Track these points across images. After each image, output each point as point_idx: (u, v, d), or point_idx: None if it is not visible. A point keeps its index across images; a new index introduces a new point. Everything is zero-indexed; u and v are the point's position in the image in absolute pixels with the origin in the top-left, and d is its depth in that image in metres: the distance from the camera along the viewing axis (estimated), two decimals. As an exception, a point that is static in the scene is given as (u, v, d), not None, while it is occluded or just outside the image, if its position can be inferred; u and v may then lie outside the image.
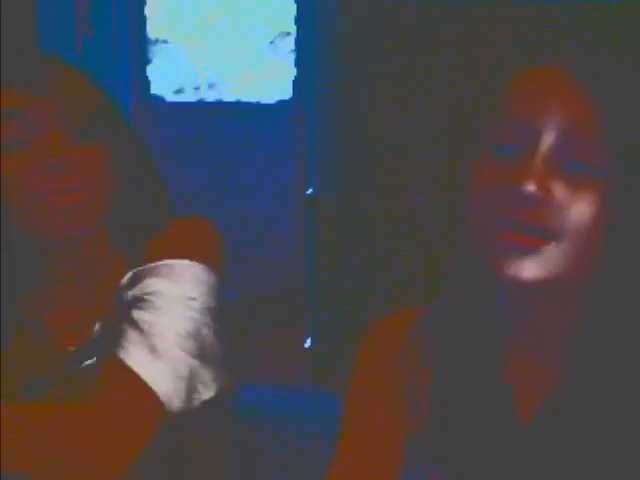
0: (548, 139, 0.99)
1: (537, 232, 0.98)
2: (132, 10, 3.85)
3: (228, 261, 1.40)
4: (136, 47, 3.93)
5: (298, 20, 3.73)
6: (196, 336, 1.31)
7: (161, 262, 1.33)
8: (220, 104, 4.04)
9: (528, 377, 1.06)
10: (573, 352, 1.03)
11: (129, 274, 1.35)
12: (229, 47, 3.99)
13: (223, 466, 1.46)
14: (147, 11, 3.93)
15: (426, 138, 2.80)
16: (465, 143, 1.07)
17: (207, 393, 1.32)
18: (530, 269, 0.98)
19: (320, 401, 1.67)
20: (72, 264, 1.37)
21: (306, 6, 3.47)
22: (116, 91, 3.61)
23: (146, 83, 3.99)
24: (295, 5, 3.69)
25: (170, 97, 4.06)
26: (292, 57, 3.86)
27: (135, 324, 1.29)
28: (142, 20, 3.94)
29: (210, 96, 4.07)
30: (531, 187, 0.97)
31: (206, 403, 1.32)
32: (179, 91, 4.07)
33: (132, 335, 1.29)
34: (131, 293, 1.33)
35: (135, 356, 1.27)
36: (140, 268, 1.34)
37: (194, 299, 1.32)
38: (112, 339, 1.31)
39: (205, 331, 1.32)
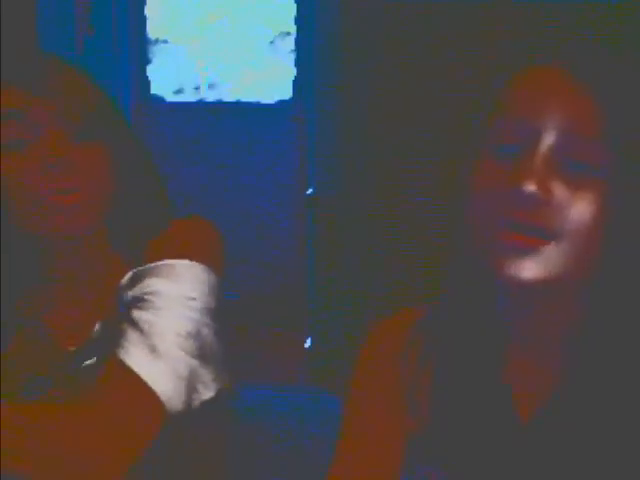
0: (548, 139, 0.99)
1: (537, 232, 0.98)
2: (132, 10, 3.85)
3: (228, 261, 1.40)
4: (136, 47, 3.92)
5: (298, 20, 3.72)
6: (196, 336, 1.31)
7: (161, 262, 1.33)
8: (220, 104, 4.04)
9: (528, 377, 1.06)
10: (573, 352, 1.03)
11: (129, 274, 1.35)
12: (229, 47, 3.99)
13: (223, 466, 1.46)
14: (147, 11, 3.93)
15: (426, 138, 2.80)
16: (465, 143, 1.07)
17: (207, 393, 1.32)
18: (530, 269, 0.98)
19: (320, 401, 1.67)
20: (72, 264, 1.37)
21: (306, 6, 3.47)
22: (116, 91, 3.61)
23: (146, 83, 3.99)
24: (295, 5, 3.69)
25: (170, 97, 4.05)
26: (292, 57, 3.85)
27: (135, 324, 1.29)
28: (142, 20, 3.93)
29: (210, 96, 4.07)
30: (531, 187, 0.97)
31: (206, 403, 1.32)
32: (179, 91, 4.07)
33: (132, 335, 1.29)
34: (131, 293, 1.33)
35: (135, 356, 1.27)
36: (140, 268, 1.34)
37: (194, 299, 1.32)
38: (112, 339, 1.31)
39: (205, 331, 1.32)
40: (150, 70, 4.00)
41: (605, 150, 0.98)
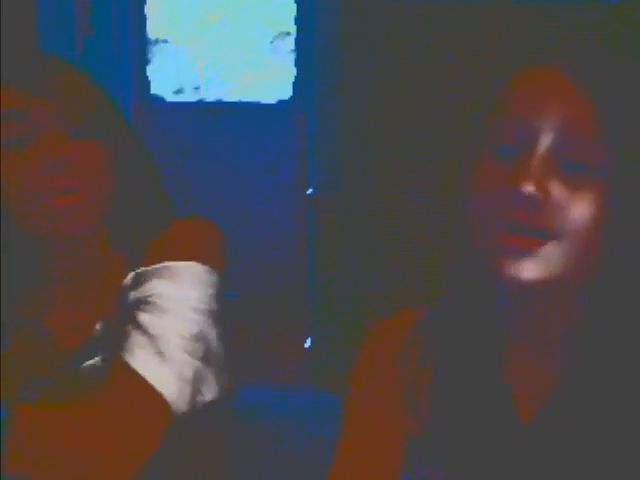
0: (547, 139, 0.99)
1: (536, 233, 0.98)
2: (132, 10, 3.85)
3: (228, 261, 1.40)
4: (136, 47, 3.92)
5: (298, 20, 3.72)
6: (200, 338, 1.31)
7: (164, 264, 1.33)
8: (220, 104, 4.04)
9: (528, 377, 1.06)
10: (573, 352, 1.03)
11: (131, 275, 1.35)
12: (229, 47, 3.99)
13: (223, 466, 1.46)
14: (147, 11, 3.93)
15: (426, 138, 2.80)
16: (465, 143, 1.07)
17: (210, 394, 1.32)
18: (529, 270, 0.98)
19: (320, 401, 1.67)
20: (72, 264, 1.37)
21: (306, 6, 3.47)
22: (116, 91, 3.60)
23: (146, 83, 3.99)
24: (295, 5, 3.69)
25: (170, 97, 4.05)
26: (292, 57, 3.85)
27: (140, 327, 1.29)
28: (142, 20, 3.93)
29: (210, 96, 4.06)
30: (530, 188, 0.97)
31: (207, 404, 1.33)
32: (179, 91, 4.07)
33: (137, 338, 1.29)
34: (134, 295, 1.33)
35: (140, 359, 1.27)
36: (143, 269, 1.34)
37: (197, 301, 1.32)
38: (115, 340, 1.31)
39: (208, 333, 1.33)
40: (150, 70, 4.00)
41: (604, 150, 0.98)
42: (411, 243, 2.84)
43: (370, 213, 2.88)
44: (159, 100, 4.02)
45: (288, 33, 3.89)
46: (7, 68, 1.33)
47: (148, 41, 4.00)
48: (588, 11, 2.64)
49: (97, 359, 1.34)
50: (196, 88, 4.07)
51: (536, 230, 0.98)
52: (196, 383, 1.30)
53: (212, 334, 1.33)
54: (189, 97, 4.09)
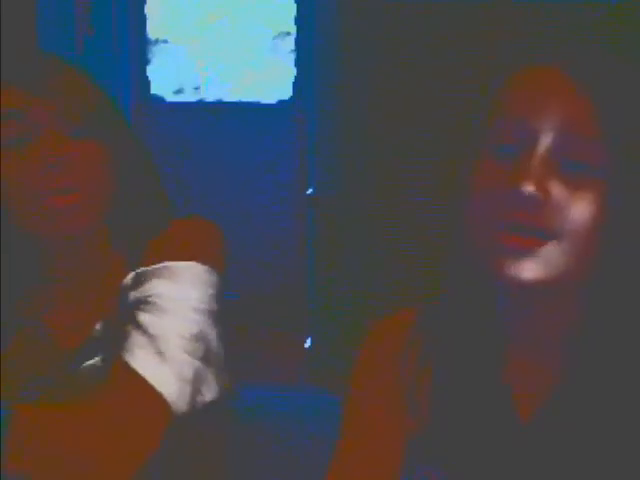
0: (546, 139, 0.99)
1: (536, 233, 0.98)
2: (132, 10, 3.85)
3: (228, 261, 1.40)
4: (136, 47, 3.92)
5: (298, 20, 3.72)
6: (200, 338, 1.31)
7: (164, 264, 1.33)
8: (220, 104, 4.03)
9: (528, 377, 1.06)
10: (573, 352, 1.03)
11: (131, 275, 1.35)
12: (229, 47, 3.99)
13: (223, 466, 1.46)
14: (147, 11, 3.93)
15: (426, 138, 2.79)
16: (465, 143, 1.07)
17: (209, 394, 1.32)
18: (529, 270, 0.98)
19: (320, 401, 1.67)
20: (72, 264, 1.37)
21: (306, 6, 3.47)
22: (116, 91, 3.60)
23: (146, 83, 3.99)
24: (295, 5, 3.69)
25: (170, 97, 4.05)
26: (292, 57, 3.85)
27: (140, 327, 1.29)
28: (142, 20, 3.93)
29: (210, 96, 4.06)
30: (530, 188, 0.97)
31: (207, 404, 1.33)
32: (179, 91, 4.07)
33: (137, 338, 1.29)
34: (134, 295, 1.33)
35: (141, 359, 1.27)
36: (143, 269, 1.34)
37: (198, 301, 1.32)
38: (115, 340, 1.31)
39: (208, 333, 1.33)
40: (150, 70, 4.00)
41: (604, 150, 0.98)
42: (411, 243, 2.84)
43: (370, 213, 2.88)
44: (159, 100, 4.02)
45: (288, 33, 3.89)
46: (7, 68, 1.33)
47: (148, 41, 3.99)
48: (588, 11, 2.64)
49: (97, 359, 1.34)
50: (196, 88, 4.07)
51: (536, 230, 0.98)
52: (196, 383, 1.30)
53: (212, 334, 1.33)
54: (189, 97, 4.08)
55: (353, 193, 2.90)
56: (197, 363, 1.30)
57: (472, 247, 1.03)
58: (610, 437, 1.00)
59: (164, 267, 1.33)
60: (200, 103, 4.07)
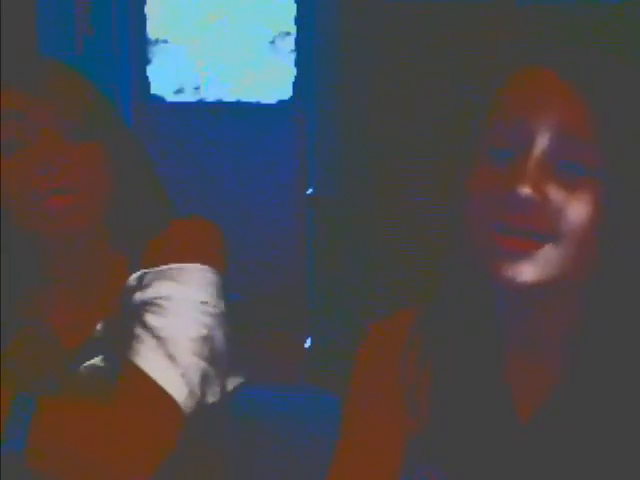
0: (542, 141, 0.99)
1: (533, 235, 0.98)
2: (132, 10, 3.85)
3: (228, 261, 1.40)
4: (136, 47, 3.92)
5: (298, 20, 3.72)
6: (208, 340, 1.32)
7: (170, 265, 1.34)
8: (220, 104, 4.03)
9: (527, 377, 1.06)
10: (572, 352, 1.03)
11: (136, 276, 1.35)
12: (229, 47, 3.99)
13: (223, 466, 1.46)
14: (147, 11, 3.93)
15: (426, 138, 2.80)
16: (463, 144, 1.07)
17: (215, 396, 1.33)
18: (527, 272, 0.98)
19: (320, 401, 1.67)
20: (72, 264, 1.37)
21: (306, 6, 3.47)
22: (116, 91, 3.60)
23: (146, 83, 3.99)
24: (295, 5, 3.69)
25: (170, 97, 4.05)
26: (292, 57, 3.85)
27: (149, 329, 1.30)
28: (142, 20, 3.93)
29: (210, 96, 4.06)
30: (526, 190, 0.97)
31: (210, 404, 1.33)
32: (179, 91, 4.07)
33: (147, 340, 1.29)
34: (140, 296, 1.33)
35: (151, 362, 1.28)
36: (148, 270, 1.34)
37: (205, 302, 1.33)
38: (119, 341, 1.32)
39: (215, 334, 1.33)
40: (150, 70, 4.00)
41: (600, 152, 0.98)
42: (411, 243, 2.85)
43: (370, 213, 2.88)
44: (159, 100, 4.02)
45: (288, 33, 3.89)
46: (7, 69, 1.33)
47: (148, 41, 3.99)
48: (582, 13, 2.65)
49: (98, 359, 1.34)
50: (196, 88, 4.07)
51: (533, 232, 0.98)
52: (203, 385, 1.30)
53: (218, 335, 1.34)
54: (189, 97, 4.08)
55: (353, 193, 2.90)
56: (204, 364, 1.31)
57: (470, 249, 1.03)
58: (610, 437, 1.00)
59: (170, 268, 1.34)
60: (200, 103, 4.07)
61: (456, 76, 2.73)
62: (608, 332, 1.01)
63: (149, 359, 1.28)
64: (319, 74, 2.95)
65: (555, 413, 1.03)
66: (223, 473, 1.46)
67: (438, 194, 2.71)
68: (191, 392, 1.28)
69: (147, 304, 1.32)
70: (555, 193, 0.98)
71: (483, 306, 1.07)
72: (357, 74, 2.85)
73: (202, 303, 1.32)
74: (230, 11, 3.97)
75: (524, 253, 0.98)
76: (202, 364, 1.30)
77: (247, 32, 3.96)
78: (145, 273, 1.34)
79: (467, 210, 1.02)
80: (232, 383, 1.40)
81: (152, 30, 3.98)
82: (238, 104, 4.01)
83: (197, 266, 1.34)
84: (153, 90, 4.01)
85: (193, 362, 1.29)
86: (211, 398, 1.33)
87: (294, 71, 3.83)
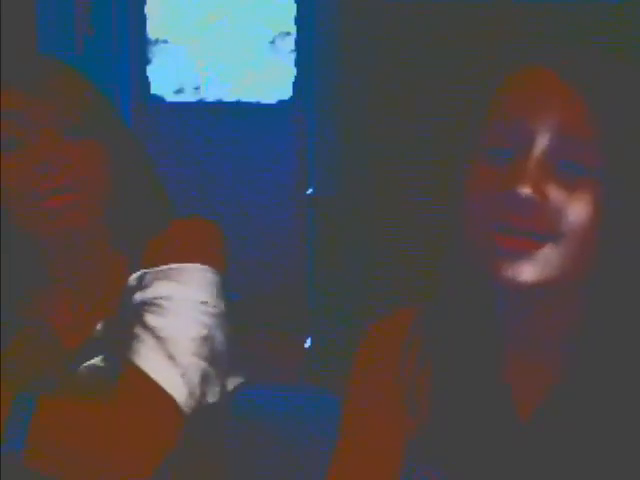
0: (542, 141, 0.99)
1: (533, 235, 0.98)
2: (132, 10, 3.85)
3: (228, 261, 1.40)
4: (136, 47, 3.92)
5: (298, 20, 3.72)
6: (208, 340, 1.32)
7: (170, 265, 1.34)
8: (220, 104, 4.03)
9: (527, 377, 1.06)
10: (572, 352, 1.03)
11: (136, 276, 1.35)
12: (229, 47, 3.99)
13: (223, 466, 1.46)
14: (147, 11, 3.93)
15: (426, 138, 2.80)
16: (463, 144, 1.07)
17: (214, 396, 1.33)
18: (526, 272, 0.98)
19: (320, 401, 1.67)
20: (72, 264, 1.37)
21: (306, 6, 3.47)
22: (116, 91, 3.60)
23: (146, 83, 3.99)
24: (295, 5, 3.69)
25: (170, 97, 4.05)
26: (292, 57, 3.85)
27: (150, 329, 1.30)
28: (142, 20, 3.93)
29: (210, 96, 4.06)
30: (526, 190, 0.97)
31: (210, 404, 1.33)
32: (179, 91, 4.07)
33: (147, 341, 1.29)
34: (141, 296, 1.33)
35: (152, 362, 1.28)
36: (148, 270, 1.34)
37: (206, 303, 1.33)
38: (119, 341, 1.32)
39: (215, 334, 1.33)
40: (150, 70, 4.00)
41: (600, 151, 0.98)
42: (411, 243, 2.85)
43: (370, 213, 2.88)
44: (159, 100, 4.02)
45: (288, 33, 3.89)
46: (6, 69, 1.33)
47: (148, 41, 3.99)
48: (582, 13, 2.65)
49: (98, 359, 1.35)
50: (196, 88, 4.07)
51: (532, 232, 0.98)
52: (203, 385, 1.30)
53: (218, 335, 1.34)
54: (189, 97, 4.08)
55: (353, 193, 2.90)
56: (204, 364, 1.31)
57: (469, 249, 1.03)
58: (609, 437, 1.00)
59: (170, 268, 1.34)
60: (200, 103, 4.07)
61: (456, 76, 2.73)
62: (608, 332, 1.01)
63: (149, 359, 1.28)
64: (319, 74, 2.95)
65: (555, 413, 1.03)
66: (223, 473, 1.46)
67: (438, 194, 2.71)
68: (191, 392, 1.28)
69: (147, 304, 1.32)
70: (555, 193, 0.98)
71: (483, 306, 1.07)
72: (357, 74, 2.85)
73: (202, 303, 1.32)
74: (230, 11, 3.97)
75: (524, 253, 0.98)
76: (202, 364, 1.30)
77: (247, 32, 3.96)
78: (145, 273, 1.34)
79: (467, 210, 1.02)
80: (232, 383, 1.40)
81: (152, 30, 3.98)
82: (238, 104, 4.00)
83: (197, 266, 1.34)
84: (153, 90, 4.01)
85: (193, 362, 1.29)
86: (211, 398, 1.33)
87: (294, 71, 3.83)
